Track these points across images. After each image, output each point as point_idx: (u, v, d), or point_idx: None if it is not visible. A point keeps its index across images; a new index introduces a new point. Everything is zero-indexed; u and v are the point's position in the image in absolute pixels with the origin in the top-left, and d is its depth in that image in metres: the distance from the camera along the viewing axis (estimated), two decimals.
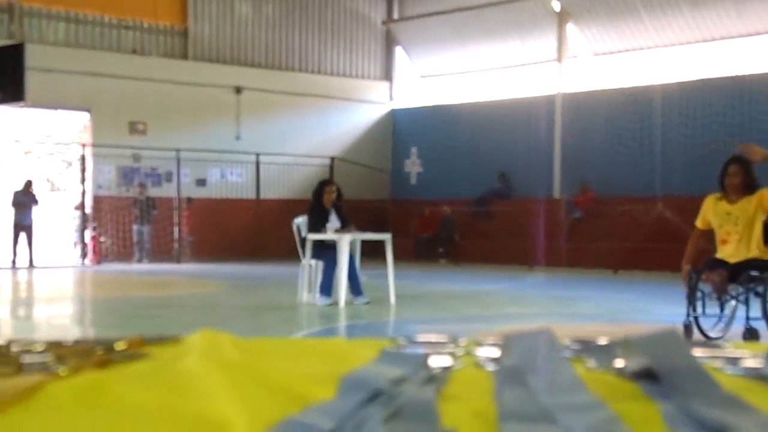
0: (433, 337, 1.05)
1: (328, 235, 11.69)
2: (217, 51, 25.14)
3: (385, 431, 0.54)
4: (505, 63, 26.37)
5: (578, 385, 0.70)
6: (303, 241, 11.99)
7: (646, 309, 11.66)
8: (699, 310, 8.11)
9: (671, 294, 8.19)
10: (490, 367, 0.87)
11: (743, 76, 21.56)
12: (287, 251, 17.19)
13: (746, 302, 7.97)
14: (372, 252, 13.46)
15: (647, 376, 0.76)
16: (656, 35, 23.19)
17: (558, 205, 23.21)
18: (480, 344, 1.01)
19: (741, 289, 8.03)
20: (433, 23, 27.10)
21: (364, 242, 12.34)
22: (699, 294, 8.10)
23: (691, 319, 8.09)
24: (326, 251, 11.67)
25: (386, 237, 12.03)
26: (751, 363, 0.92)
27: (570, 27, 24.62)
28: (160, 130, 23.55)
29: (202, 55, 24.90)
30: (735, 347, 1.03)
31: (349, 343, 1.01)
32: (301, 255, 12.06)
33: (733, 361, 0.93)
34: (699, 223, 8.30)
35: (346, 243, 11.49)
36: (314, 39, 26.96)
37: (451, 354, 0.98)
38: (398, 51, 28.70)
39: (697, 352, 0.97)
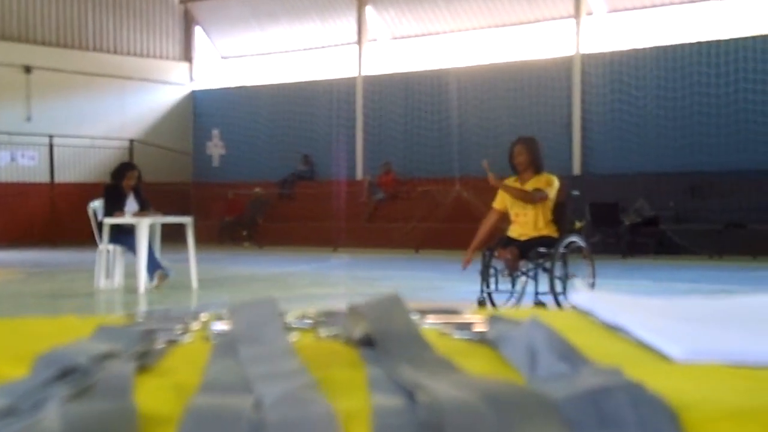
0: (173, 313, 1.02)
1: (126, 219, 11.33)
2: (3, 27, 23.83)
3: (67, 409, 0.51)
4: (306, 45, 26.40)
5: (287, 354, 0.69)
6: (100, 225, 11.59)
7: (443, 287, 12.04)
8: (492, 286, 8.42)
9: (467, 272, 8.47)
10: (216, 341, 0.86)
11: (533, 60, 22.50)
12: (84, 236, 16.57)
13: (535, 278, 8.33)
14: (175, 236, 13.18)
15: (370, 342, 0.76)
16: (451, 20, 23.83)
17: (361, 187, 23.51)
18: (220, 318, 0.99)
19: (531, 266, 8.39)
20: (232, 3, 26.75)
21: (165, 226, 12.03)
22: (492, 271, 8.41)
23: (485, 295, 8.39)
24: (124, 236, 11.32)
25: (187, 220, 11.78)
26: (478, 327, 0.95)
27: (369, 10, 24.92)
28: None
29: None
30: (470, 313, 1.06)
31: (72, 321, 0.96)
32: (98, 240, 11.64)
33: (464, 326, 0.96)
34: (496, 204, 8.62)
35: (145, 227, 11.17)
36: (109, 17, 26.03)
37: (184, 328, 0.95)
38: (197, 31, 28.15)
39: (432, 318, 1.00)
